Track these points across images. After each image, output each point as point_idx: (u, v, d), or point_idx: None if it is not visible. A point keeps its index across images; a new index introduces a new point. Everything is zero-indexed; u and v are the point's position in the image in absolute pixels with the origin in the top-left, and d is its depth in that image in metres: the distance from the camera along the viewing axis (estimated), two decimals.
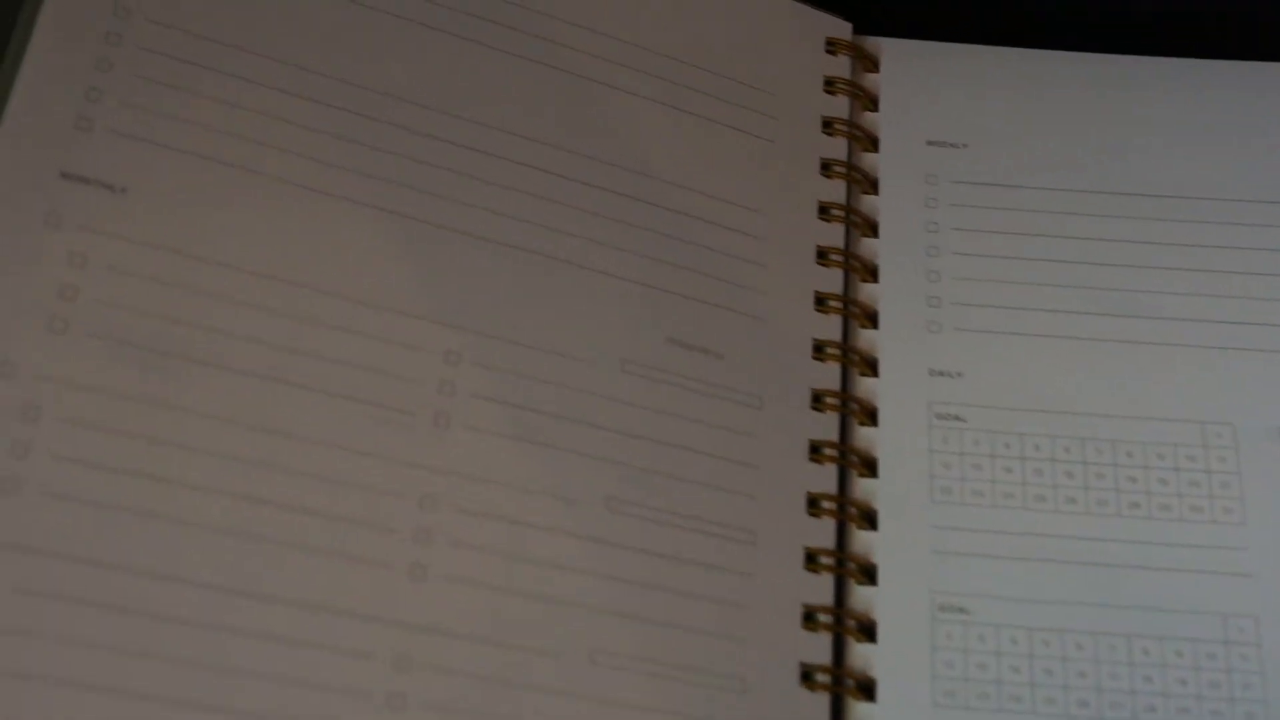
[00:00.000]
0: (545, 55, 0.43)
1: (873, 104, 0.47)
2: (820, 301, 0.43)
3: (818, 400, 0.42)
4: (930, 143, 0.46)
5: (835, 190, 0.45)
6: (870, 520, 0.41)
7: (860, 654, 0.39)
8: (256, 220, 0.37)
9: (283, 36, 0.40)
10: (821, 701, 0.38)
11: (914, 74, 0.47)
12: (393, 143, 0.40)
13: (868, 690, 0.38)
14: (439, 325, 0.38)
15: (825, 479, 0.41)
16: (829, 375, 0.42)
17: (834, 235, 0.44)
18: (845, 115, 0.46)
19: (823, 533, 0.40)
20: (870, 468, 0.42)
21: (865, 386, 0.43)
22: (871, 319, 0.44)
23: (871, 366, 0.43)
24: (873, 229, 0.45)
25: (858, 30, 0.48)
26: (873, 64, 0.48)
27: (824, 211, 0.44)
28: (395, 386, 0.37)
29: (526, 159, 0.41)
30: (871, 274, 0.44)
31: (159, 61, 0.38)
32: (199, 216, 0.37)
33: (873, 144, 0.46)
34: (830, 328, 0.43)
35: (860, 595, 0.40)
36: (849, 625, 0.39)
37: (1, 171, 0.35)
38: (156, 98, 0.37)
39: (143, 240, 0.36)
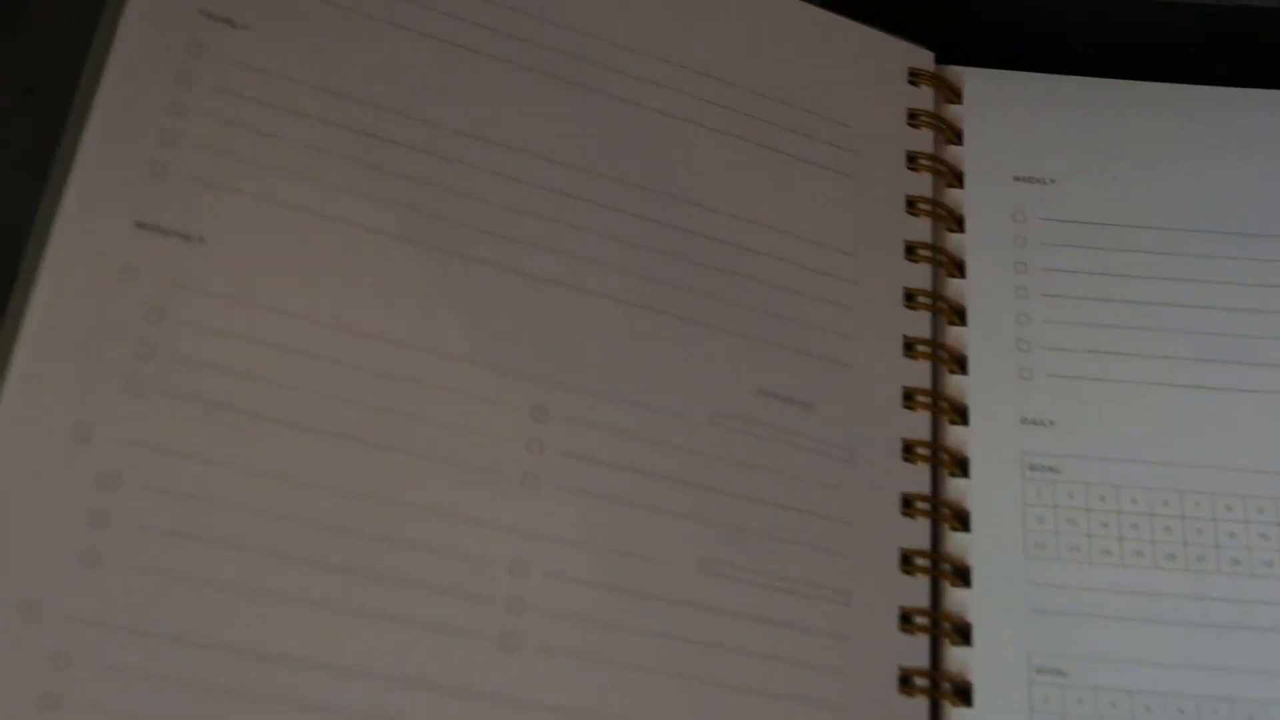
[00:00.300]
0: (627, 92, 0.41)
1: (957, 137, 0.45)
2: (909, 347, 0.42)
3: (908, 451, 0.40)
4: (1017, 178, 0.45)
5: (921, 229, 0.43)
6: (964, 577, 0.39)
7: (957, 718, 0.38)
8: (337, 270, 0.36)
9: (363, 75, 0.38)
10: None
11: (999, 105, 0.46)
12: (478, 188, 0.38)
13: None
14: (526, 379, 0.36)
15: (918, 534, 0.39)
16: (919, 424, 0.41)
17: (921, 276, 0.43)
18: (930, 149, 0.45)
19: (917, 591, 0.39)
20: (962, 521, 0.40)
21: (955, 435, 0.41)
22: (960, 364, 0.42)
23: (961, 414, 0.41)
24: (959, 269, 0.43)
25: (939, 59, 0.46)
26: (955, 95, 0.46)
27: (910, 251, 0.43)
28: (483, 445, 0.35)
29: (610, 201, 0.39)
30: (959, 316, 0.43)
31: (234, 103, 0.36)
32: (279, 267, 0.35)
33: (957, 179, 0.45)
34: (919, 374, 0.41)
35: (955, 656, 0.39)
36: (944, 689, 0.38)
37: (74, 223, 0.33)
38: (233, 141, 0.36)
39: (222, 293, 0.34)
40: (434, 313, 0.36)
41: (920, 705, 0.37)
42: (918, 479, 0.40)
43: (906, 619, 0.38)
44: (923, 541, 0.39)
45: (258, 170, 0.36)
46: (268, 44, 0.37)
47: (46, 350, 0.32)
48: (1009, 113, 0.46)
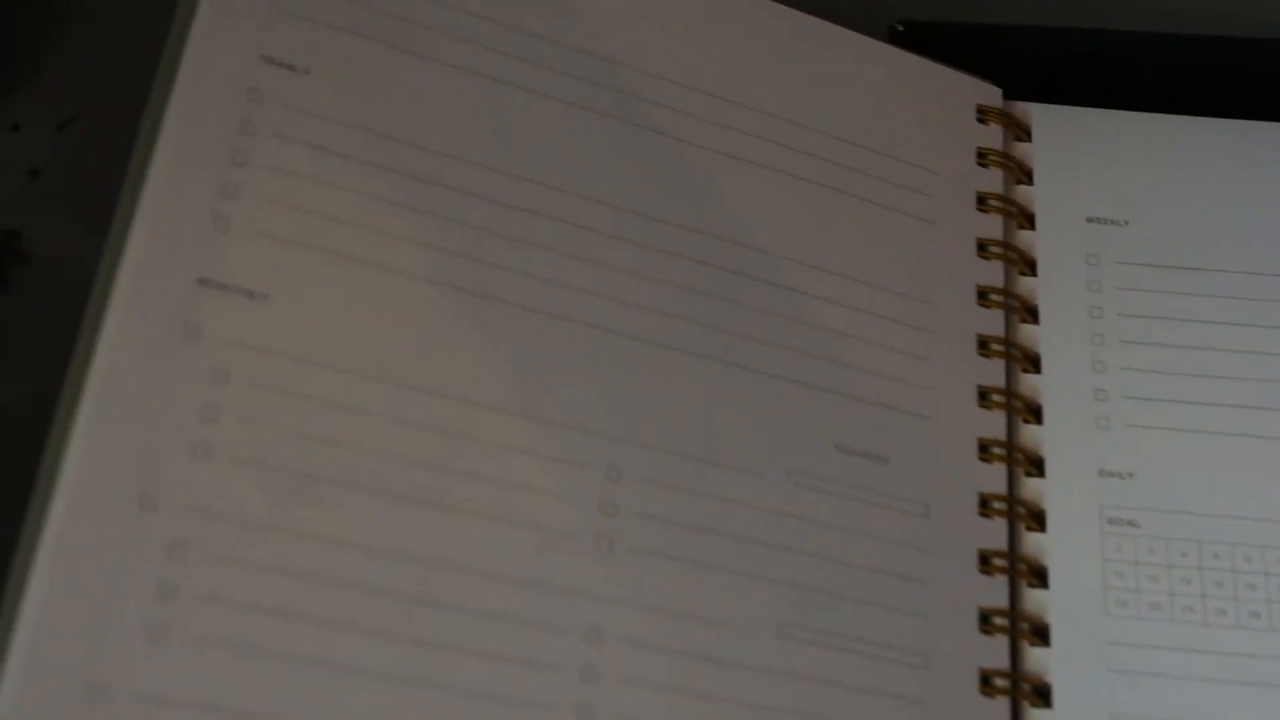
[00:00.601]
0: (694, 135, 0.40)
1: (1027, 176, 0.44)
2: (983, 396, 0.40)
3: (984, 505, 0.39)
4: (1090, 219, 0.43)
5: (993, 273, 0.42)
6: (1043, 636, 0.38)
7: None
8: (403, 326, 0.34)
9: (423, 120, 0.37)
10: None
11: (1069, 143, 0.44)
12: (544, 235, 0.37)
13: None
14: (599, 437, 0.35)
15: (996, 591, 0.38)
16: (995, 477, 0.40)
17: (994, 322, 0.41)
18: (1000, 190, 0.43)
19: (996, 651, 0.38)
20: (1040, 577, 0.39)
21: (1031, 488, 0.40)
22: (1035, 413, 0.41)
23: (1038, 466, 0.40)
24: (1032, 314, 0.42)
25: (1007, 95, 0.45)
26: (1024, 132, 0.45)
27: (982, 296, 0.42)
28: (556, 507, 0.34)
29: (681, 249, 0.38)
30: (1033, 363, 0.41)
31: (295, 151, 0.35)
32: (344, 324, 0.34)
33: (1029, 220, 0.43)
34: (994, 425, 0.40)
35: (1036, 719, 0.37)
36: None
37: (135, 280, 0.32)
38: (295, 191, 0.34)
39: (287, 353, 0.33)
40: (502, 369, 0.35)
41: None
42: (994, 534, 0.39)
43: (986, 681, 0.37)
44: (1001, 599, 0.38)
45: (321, 222, 0.34)
46: (327, 89, 0.36)
47: (110, 415, 0.31)
48: (1080, 151, 0.44)
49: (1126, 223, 0.43)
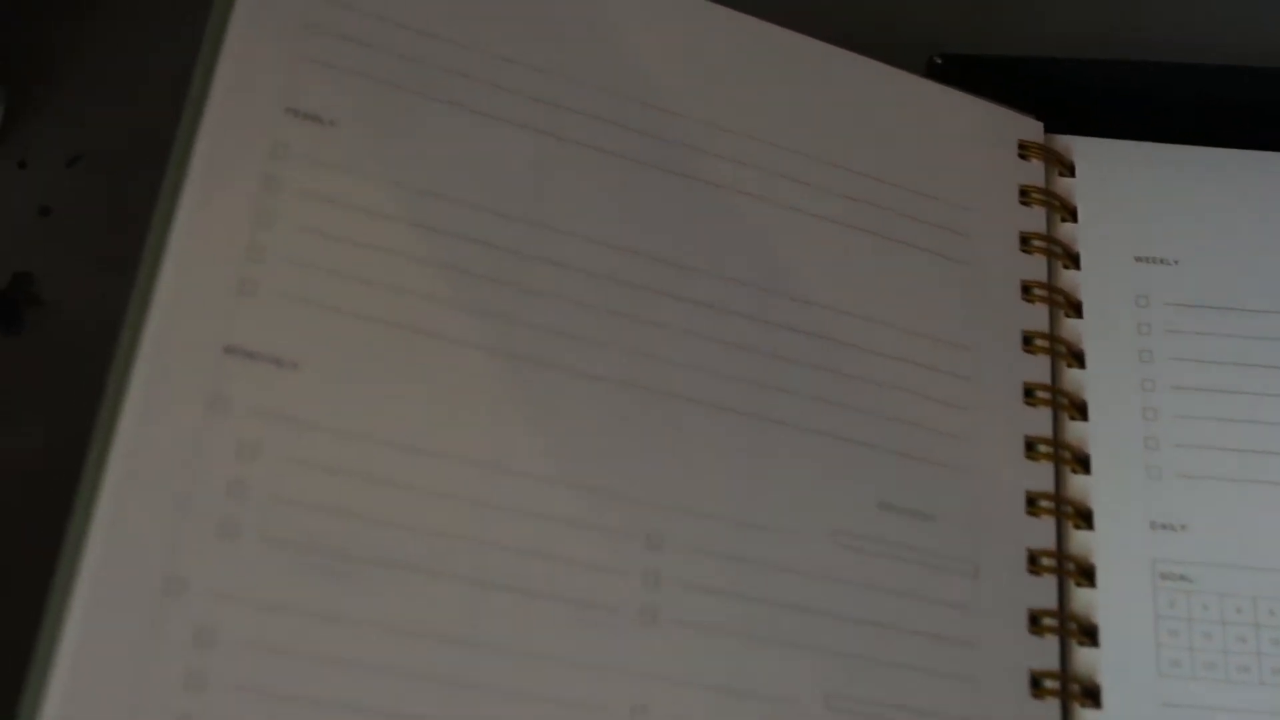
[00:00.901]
0: (729, 179, 0.38)
1: (1070, 214, 0.43)
2: (1030, 446, 0.39)
3: (1033, 562, 0.38)
4: (1138, 259, 0.42)
5: (1038, 317, 0.41)
6: (1095, 698, 0.37)
7: None
8: (437, 393, 0.33)
9: (456, 173, 0.35)
10: None
11: (1114, 179, 0.43)
12: (577, 291, 0.35)
13: None
14: (639, 504, 0.34)
15: (1046, 652, 0.37)
16: (1044, 532, 0.38)
17: (1040, 369, 0.40)
18: (1043, 229, 0.42)
19: (1047, 714, 0.36)
20: (1091, 635, 0.38)
21: (1080, 542, 0.39)
22: (1083, 463, 0.40)
23: (1086, 519, 0.39)
24: (1079, 359, 0.41)
25: (1048, 128, 0.44)
26: (1067, 167, 0.43)
27: (1027, 342, 0.40)
28: (599, 580, 0.33)
29: (715, 300, 0.37)
30: (1080, 410, 0.40)
31: (323, 210, 0.33)
32: (378, 393, 0.32)
33: (1073, 260, 0.42)
34: (1042, 477, 0.39)
35: None
36: None
37: (158, 349, 0.31)
38: (323, 252, 0.33)
39: (319, 424, 0.32)
40: (539, 435, 0.34)
41: None
42: (1044, 592, 0.38)
43: None
44: (1051, 661, 0.37)
45: (351, 284, 0.33)
46: (356, 142, 0.34)
47: (134, 494, 0.30)
48: (1125, 187, 0.43)
49: (1176, 262, 0.42)
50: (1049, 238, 0.42)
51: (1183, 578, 0.38)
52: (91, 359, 0.46)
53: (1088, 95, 0.44)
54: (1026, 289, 0.41)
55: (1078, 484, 0.39)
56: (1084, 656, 0.38)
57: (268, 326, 0.32)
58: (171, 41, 0.49)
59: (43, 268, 0.47)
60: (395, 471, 0.32)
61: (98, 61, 0.49)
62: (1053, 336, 0.41)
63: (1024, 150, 0.43)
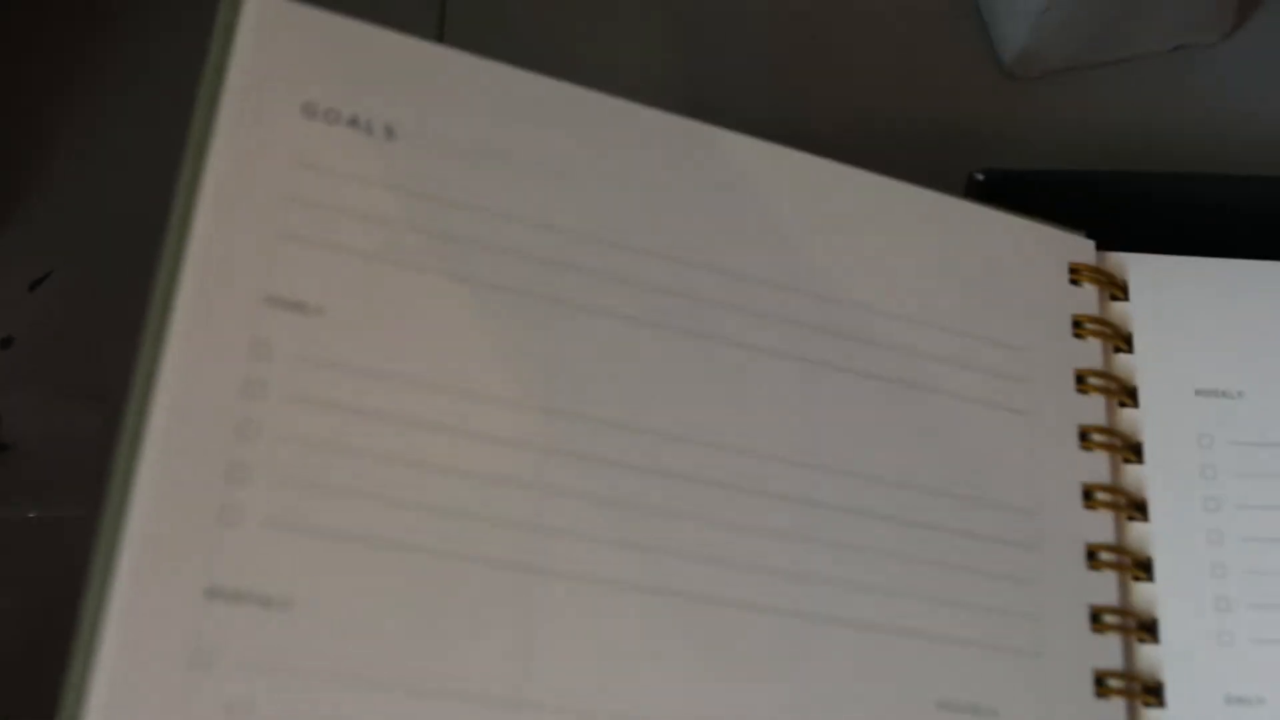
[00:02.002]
0: (754, 337, 0.35)
1: (1125, 342, 0.39)
2: (1095, 618, 0.36)
3: None
4: (1199, 392, 0.39)
5: (1097, 466, 0.37)
6: None
7: None
8: (445, 621, 0.29)
9: (469, 360, 0.31)
10: None
11: (1171, 301, 0.39)
12: (612, 496, 0.32)
13: None
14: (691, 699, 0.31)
15: None
16: (1113, 714, 0.35)
17: (1103, 527, 0.37)
18: (1099, 364, 0.38)
19: None
20: None
21: (1152, 719, 0.36)
22: (1150, 630, 0.36)
23: (1156, 694, 0.36)
24: (1140, 509, 0.37)
25: (1099, 244, 0.40)
26: (1120, 289, 0.40)
27: (1088, 497, 0.37)
28: None
29: (758, 485, 0.33)
30: (1145, 570, 0.37)
31: (313, 416, 0.29)
32: (380, 631, 0.29)
33: (1130, 396, 0.39)
34: (1109, 651, 0.35)
35: None
36: None
37: (131, 599, 0.27)
38: (316, 468, 0.29)
39: (316, 672, 0.28)
40: (565, 653, 0.30)
41: None
42: None
43: None
44: None
45: (348, 503, 0.29)
46: (348, 333, 0.31)
47: None
48: (1183, 309, 0.39)
49: (1240, 394, 0.39)
50: (1105, 374, 0.38)
51: None
52: (63, 514, 0.42)
53: (1141, 209, 0.41)
54: (1084, 434, 0.37)
55: (1147, 655, 0.36)
56: None
57: (254, 562, 0.28)
58: (145, 138, 0.45)
59: (6, 407, 0.43)
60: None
61: (67, 168, 0.45)
62: (1114, 488, 0.37)
63: (1075, 274, 0.39)
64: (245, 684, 0.27)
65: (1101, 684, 0.35)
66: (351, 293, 0.31)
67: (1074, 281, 0.39)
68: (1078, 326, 0.39)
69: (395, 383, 0.31)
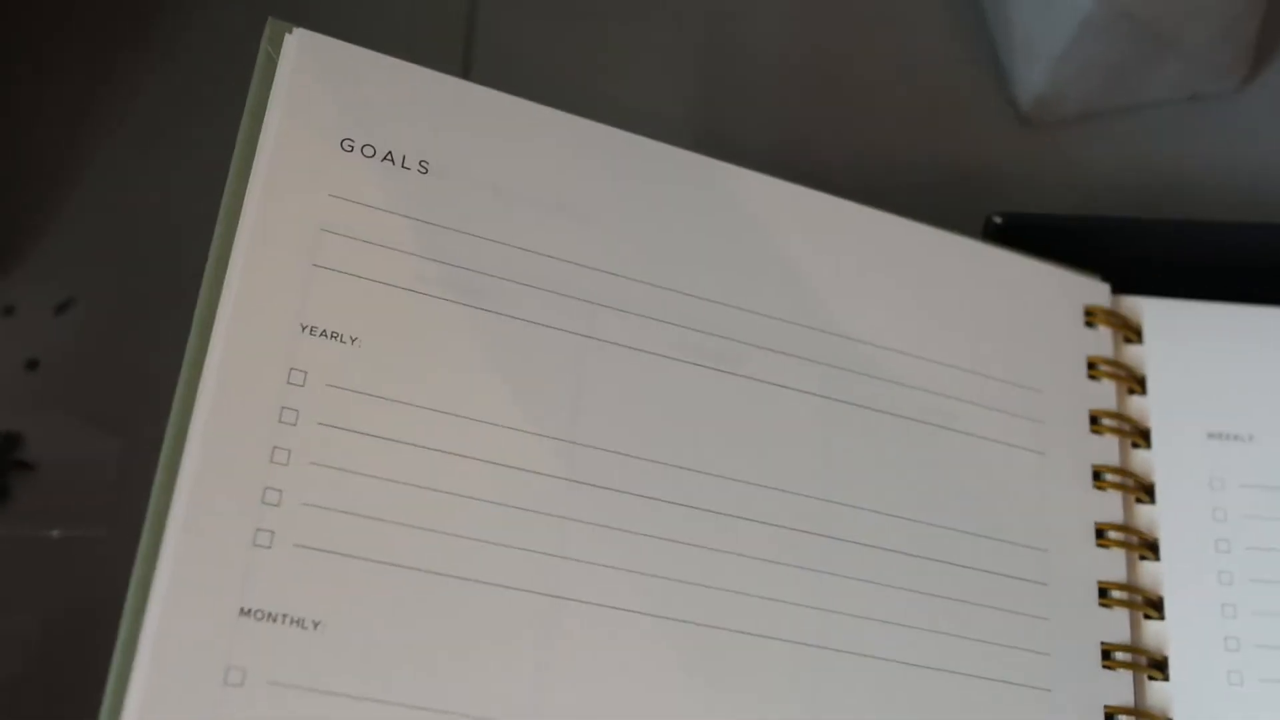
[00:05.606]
0: (778, 376, 0.35)
1: (1139, 384, 0.40)
2: (1106, 655, 0.36)
3: None
4: (1211, 435, 0.39)
5: (1110, 506, 0.38)
6: None
7: None
8: (473, 649, 0.30)
9: (504, 394, 0.32)
10: None
11: (1184, 344, 0.40)
12: (646, 525, 0.32)
13: None
14: None
15: None
16: None
17: (1115, 566, 0.37)
18: (1113, 405, 0.39)
19: None
20: None
21: None
22: (1161, 668, 0.37)
23: None
24: (1153, 549, 0.38)
25: (1114, 287, 0.41)
26: (1134, 332, 0.40)
27: (1100, 536, 0.37)
28: None
29: (794, 520, 0.34)
30: (1156, 608, 0.37)
31: (347, 444, 0.30)
32: (411, 650, 0.29)
33: (1143, 437, 0.39)
34: (1119, 688, 0.36)
35: None
36: None
37: (165, 619, 0.28)
38: (348, 496, 0.30)
39: (340, 690, 0.29)
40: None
41: None
42: None
43: None
44: None
45: (381, 530, 0.30)
46: (380, 362, 0.31)
47: None
48: (1196, 353, 0.40)
49: (1252, 437, 0.39)
50: (1120, 415, 0.39)
51: None
52: (87, 534, 0.43)
53: (1156, 255, 0.41)
54: (1098, 474, 0.38)
55: (1156, 693, 0.36)
56: None
57: (287, 584, 0.29)
58: (171, 163, 0.46)
59: (32, 428, 0.44)
60: None
61: (91, 195, 0.46)
62: (1126, 527, 0.38)
63: (1090, 317, 0.40)
64: (276, 702, 0.28)
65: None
66: (384, 323, 0.32)
67: (1089, 324, 0.40)
68: (1092, 368, 0.39)
69: (424, 412, 0.31)
